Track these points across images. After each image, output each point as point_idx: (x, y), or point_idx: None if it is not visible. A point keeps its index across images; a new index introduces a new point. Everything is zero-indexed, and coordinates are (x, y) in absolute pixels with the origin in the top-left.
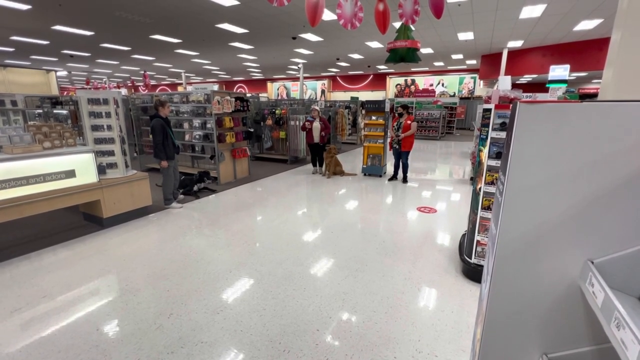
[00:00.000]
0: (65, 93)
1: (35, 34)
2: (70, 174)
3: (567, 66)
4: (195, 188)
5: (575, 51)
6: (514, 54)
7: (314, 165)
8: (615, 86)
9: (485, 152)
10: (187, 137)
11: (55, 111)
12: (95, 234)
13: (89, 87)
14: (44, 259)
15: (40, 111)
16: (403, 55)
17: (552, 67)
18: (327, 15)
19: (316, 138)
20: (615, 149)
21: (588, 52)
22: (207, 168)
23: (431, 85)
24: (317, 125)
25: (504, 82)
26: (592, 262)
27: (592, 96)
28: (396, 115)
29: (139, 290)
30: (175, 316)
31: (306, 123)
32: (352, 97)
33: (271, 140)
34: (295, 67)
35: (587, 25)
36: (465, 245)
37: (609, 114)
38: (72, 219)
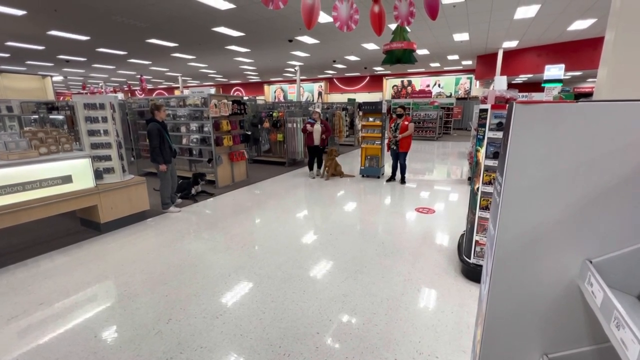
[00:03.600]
0: (61, 98)
1: (31, 39)
2: (67, 179)
3: (562, 66)
4: (193, 191)
5: (570, 51)
6: (509, 54)
7: (311, 168)
8: (610, 85)
9: (482, 152)
10: (184, 140)
11: (51, 116)
12: (92, 239)
13: (85, 91)
14: (41, 266)
15: (36, 117)
16: (399, 57)
17: (547, 66)
18: (323, 18)
19: (316, 140)
20: (611, 148)
21: (582, 52)
22: (203, 171)
23: (428, 86)
24: (317, 127)
25: (500, 82)
26: (591, 262)
27: (587, 95)
28: (394, 116)
29: (137, 295)
30: (174, 321)
31: (307, 125)
32: (349, 99)
33: (269, 143)
34: (292, 70)
35: (581, 25)
36: (464, 246)
37: (604, 114)
38: (69, 225)
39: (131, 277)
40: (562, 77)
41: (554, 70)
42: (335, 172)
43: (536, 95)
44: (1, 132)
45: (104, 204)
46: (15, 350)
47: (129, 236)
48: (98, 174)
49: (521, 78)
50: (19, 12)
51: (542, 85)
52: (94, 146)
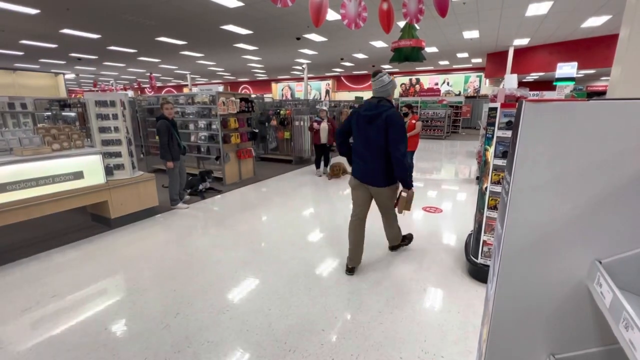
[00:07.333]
0: (73, 95)
1: (44, 37)
2: (79, 175)
3: (575, 63)
4: (201, 187)
5: (583, 48)
6: (520, 52)
7: (317, 167)
8: (624, 83)
9: (491, 151)
10: (192, 138)
11: (63, 113)
12: (103, 234)
13: (96, 89)
14: (53, 259)
15: (49, 113)
16: (407, 55)
17: (559, 64)
18: (331, 15)
19: (323, 139)
20: (623, 148)
21: (596, 49)
22: (210, 168)
23: (436, 84)
24: (324, 126)
25: (510, 81)
26: (600, 262)
27: (600, 94)
28: (401, 114)
29: (146, 290)
30: (181, 316)
31: (314, 124)
32: (356, 97)
33: (276, 141)
34: (300, 68)
35: (595, 21)
36: (472, 245)
37: (617, 113)
38: (81, 220)
39: (140, 272)
40: (575, 75)
41: (567, 68)
42: (339, 174)
43: (548, 94)
44: (16, 129)
45: (114, 200)
46: (28, 340)
47: (138, 232)
48: (108, 170)
49: (532, 76)
50: (33, 11)
51: (554, 83)
52: (105, 143)
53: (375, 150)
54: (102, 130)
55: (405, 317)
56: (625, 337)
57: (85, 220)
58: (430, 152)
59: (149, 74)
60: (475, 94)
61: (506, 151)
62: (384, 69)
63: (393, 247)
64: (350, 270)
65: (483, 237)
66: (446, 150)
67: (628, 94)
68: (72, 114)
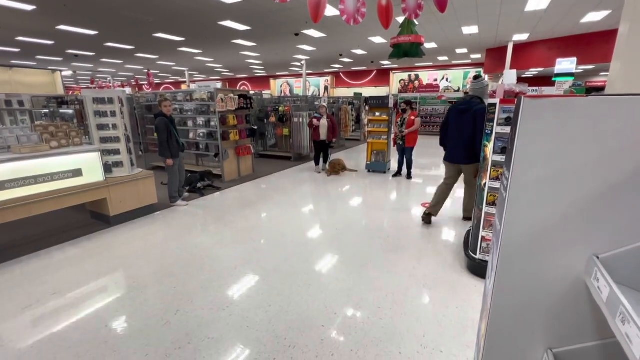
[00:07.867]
0: (70, 93)
1: (40, 34)
2: (77, 173)
3: (574, 59)
4: (200, 185)
5: (582, 44)
6: (519, 47)
7: (317, 163)
8: (623, 79)
9: (490, 147)
10: (191, 135)
11: (61, 111)
12: (102, 232)
13: (93, 86)
14: (53, 257)
15: (47, 111)
16: (407, 51)
17: (558, 60)
18: (330, 11)
19: (323, 135)
20: (621, 144)
21: (596, 45)
22: (210, 166)
23: (435, 80)
24: (324, 122)
25: (510, 76)
26: (598, 257)
27: (600, 89)
28: (400, 111)
29: (146, 287)
30: (182, 313)
31: (313, 120)
32: (355, 93)
33: (275, 138)
34: (299, 64)
35: (594, 17)
36: (470, 241)
37: (615, 108)
38: (80, 218)
39: (140, 269)
40: (574, 71)
41: (566, 64)
42: (338, 171)
43: (547, 90)
44: (13, 127)
45: (113, 198)
46: (29, 338)
47: (137, 229)
48: (107, 168)
49: (532, 72)
50: (29, 7)
51: (553, 79)
52: (103, 140)
53: (464, 136)
54: (101, 127)
55: (404, 312)
56: (621, 331)
57: (85, 217)
58: (429, 148)
59: (146, 70)
60: None
61: (505, 147)
62: (383, 64)
63: (466, 218)
64: (427, 215)
65: (482, 233)
66: None
67: (627, 90)
68: (70, 112)
